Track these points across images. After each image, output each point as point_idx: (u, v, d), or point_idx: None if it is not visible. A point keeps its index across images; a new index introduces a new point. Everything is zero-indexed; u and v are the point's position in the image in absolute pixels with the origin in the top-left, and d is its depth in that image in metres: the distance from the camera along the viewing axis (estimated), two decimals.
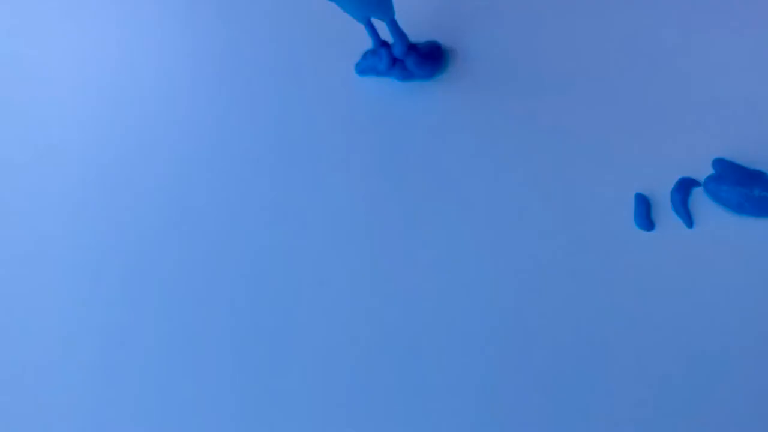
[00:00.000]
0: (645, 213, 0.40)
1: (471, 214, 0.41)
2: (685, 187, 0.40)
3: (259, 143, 0.45)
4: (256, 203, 0.43)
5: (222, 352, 0.40)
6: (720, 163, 0.40)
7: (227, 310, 0.41)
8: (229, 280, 0.41)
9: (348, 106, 0.45)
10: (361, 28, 0.46)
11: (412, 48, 0.44)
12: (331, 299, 0.40)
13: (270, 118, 0.45)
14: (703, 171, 0.40)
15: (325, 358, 0.39)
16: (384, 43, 0.44)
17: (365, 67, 0.45)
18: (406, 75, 0.45)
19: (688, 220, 0.39)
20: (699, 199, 0.40)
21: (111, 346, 0.40)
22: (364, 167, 0.43)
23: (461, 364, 0.37)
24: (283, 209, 0.43)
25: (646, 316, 0.37)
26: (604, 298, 0.38)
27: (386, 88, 0.45)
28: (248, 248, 0.42)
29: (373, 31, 0.42)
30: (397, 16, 0.46)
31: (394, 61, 0.44)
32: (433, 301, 0.39)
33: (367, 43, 0.46)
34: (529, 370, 0.37)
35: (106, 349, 0.40)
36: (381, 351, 0.38)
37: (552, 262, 0.39)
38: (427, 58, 0.44)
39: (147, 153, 0.45)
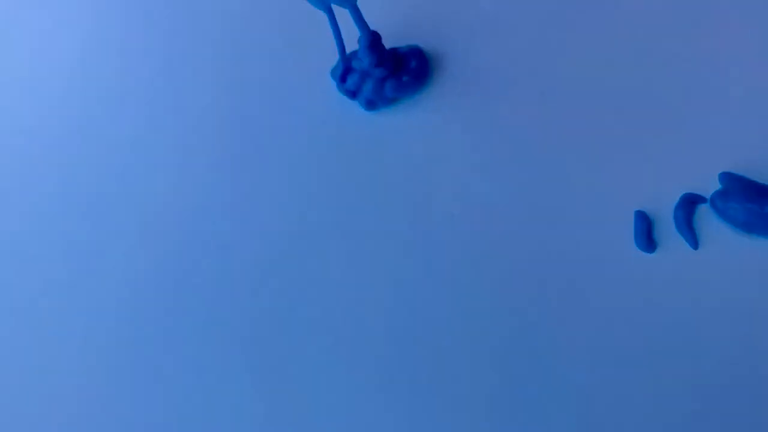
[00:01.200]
0: (646, 232, 0.37)
1: (462, 231, 0.39)
2: (689, 203, 0.38)
3: (237, 150, 0.42)
4: (227, 210, 0.41)
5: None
6: (728, 178, 0.38)
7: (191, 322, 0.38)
8: (185, 295, 0.39)
9: (325, 121, 0.42)
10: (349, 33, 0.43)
11: (389, 59, 0.41)
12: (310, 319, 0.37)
13: (248, 126, 0.43)
14: (709, 186, 0.38)
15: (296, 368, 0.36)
16: (348, 59, 0.40)
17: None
18: (380, 102, 0.42)
19: (693, 240, 0.37)
20: (705, 217, 0.38)
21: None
22: (346, 186, 0.41)
23: (452, 391, 0.35)
24: (263, 221, 0.40)
25: (647, 345, 0.35)
26: (600, 326, 0.36)
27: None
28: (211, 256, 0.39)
29: (336, 29, 0.39)
30: (374, 20, 0.44)
31: (354, 94, 0.41)
32: (426, 320, 0.37)
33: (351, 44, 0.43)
34: (525, 396, 0.35)
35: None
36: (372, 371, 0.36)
37: (544, 286, 0.37)
38: (409, 76, 0.41)
39: (110, 154, 0.43)
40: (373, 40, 0.39)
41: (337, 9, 0.39)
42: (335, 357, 0.36)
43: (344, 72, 0.41)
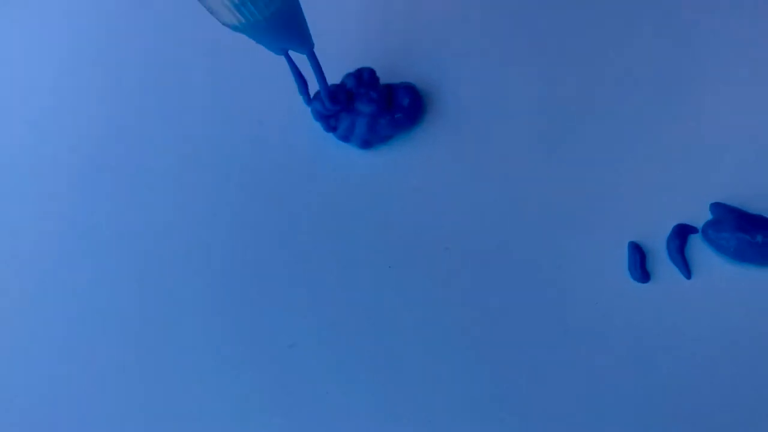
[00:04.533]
0: (639, 263, 0.37)
1: (458, 263, 0.39)
2: (681, 234, 0.38)
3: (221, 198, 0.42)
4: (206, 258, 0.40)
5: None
6: (718, 208, 0.38)
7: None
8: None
9: (311, 162, 0.42)
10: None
11: (382, 97, 0.41)
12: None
13: (246, 178, 0.42)
14: (700, 217, 0.38)
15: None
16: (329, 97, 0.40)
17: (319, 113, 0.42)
18: (374, 140, 0.42)
19: (686, 270, 0.37)
20: (697, 247, 0.38)
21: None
22: (349, 222, 0.41)
23: (444, 421, 0.35)
24: (265, 267, 0.40)
25: (642, 374, 0.36)
26: (596, 356, 0.36)
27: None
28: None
29: (295, 71, 0.39)
30: (368, 56, 0.44)
31: (348, 137, 0.41)
32: (422, 349, 0.37)
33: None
34: (516, 424, 0.35)
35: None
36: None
37: (541, 318, 0.37)
38: (402, 113, 0.41)
39: (95, 190, 0.43)
40: (333, 92, 0.39)
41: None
42: (336, 399, 0.36)
43: (325, 115, 0.41)
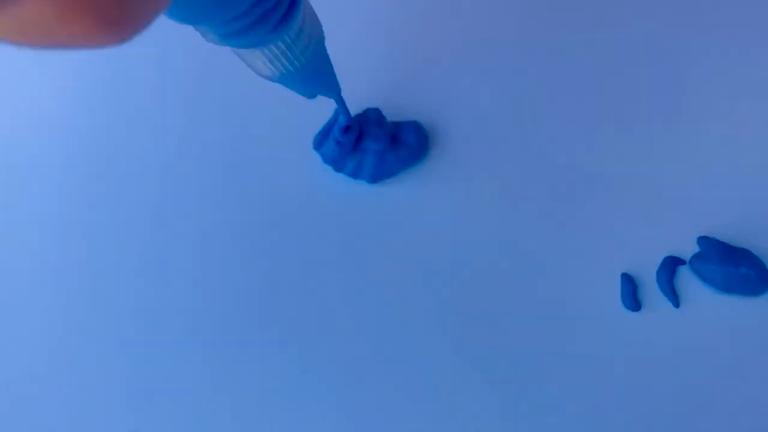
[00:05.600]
0: (631, 293, 0.39)
1: (460, 297, 0.40)
2: (670, 266, 0.40)
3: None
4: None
5: None
6: (705, 241, 0.40)
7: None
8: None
9: (315, 199, 0.44)
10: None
11: (388, 134, 0.43)
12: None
13: (257, 211, 0.44)
14: (688, 249, 0.40)
15: None
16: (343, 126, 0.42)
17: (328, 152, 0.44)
18: (382, 175, 0.43)
19: (675, 299, 0.39)
20: (685, 278, 0.40)
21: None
22: (360, 252, 0.42)
23: None
24: (277, 300, 0.41)
25: (634, 398, 0.37)
26: (591, 380, 0.38)
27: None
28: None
29: (334, 118, 0.42)
30: (370, 95, 0.46)
31: (356, 174, 0.43)
32: (420, 389, 0.38)
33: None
34: None
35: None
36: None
37: (540, 344, 0.39)
38: (408, 150, 0.43)
39: (98, 226, 0.44)
40: (347, 127, 0.42)
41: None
42: None
43: (337, 155, 0.43)
